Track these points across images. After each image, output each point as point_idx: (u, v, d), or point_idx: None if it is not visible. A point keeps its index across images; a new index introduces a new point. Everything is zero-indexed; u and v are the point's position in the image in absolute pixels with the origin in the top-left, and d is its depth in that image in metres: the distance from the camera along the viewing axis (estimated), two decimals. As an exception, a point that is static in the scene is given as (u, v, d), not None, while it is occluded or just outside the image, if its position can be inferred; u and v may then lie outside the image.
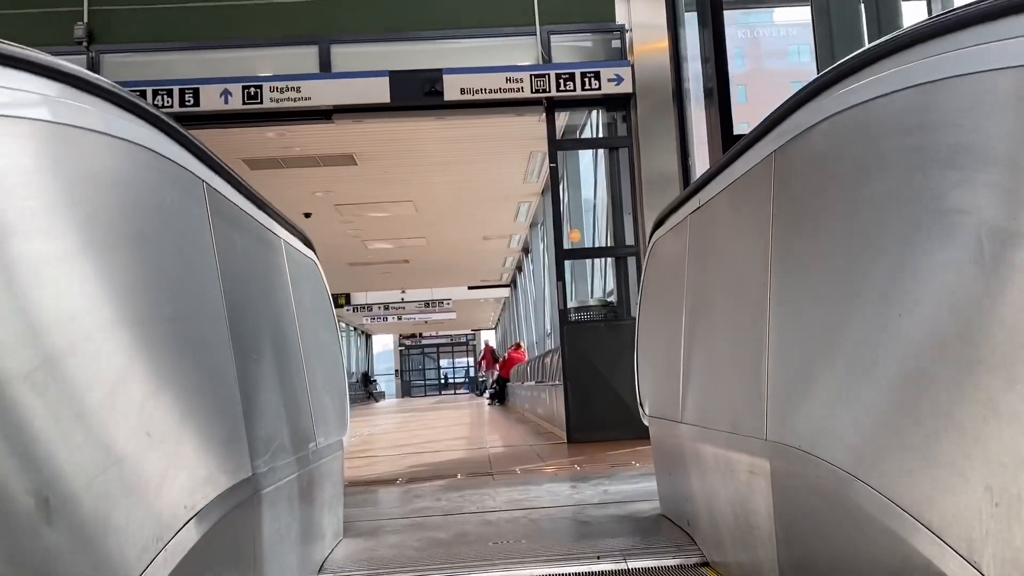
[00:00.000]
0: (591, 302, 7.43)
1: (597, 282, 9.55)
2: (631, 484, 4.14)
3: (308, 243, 3.45)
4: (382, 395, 41.91)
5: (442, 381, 51.58)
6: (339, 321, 30.00)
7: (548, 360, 10.31)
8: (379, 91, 6.90)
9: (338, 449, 3.21)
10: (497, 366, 31.51)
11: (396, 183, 12.48)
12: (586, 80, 6.99)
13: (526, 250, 19.57)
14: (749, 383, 2.06)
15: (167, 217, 1.72)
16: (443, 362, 52.34)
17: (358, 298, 26.60)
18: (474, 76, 6.95)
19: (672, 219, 3.27)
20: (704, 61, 4.71)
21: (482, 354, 32.83)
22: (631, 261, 7.35)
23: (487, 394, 29.40)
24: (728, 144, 4.28)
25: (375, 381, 42.45)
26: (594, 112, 8.20)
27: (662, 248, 3.44)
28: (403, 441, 8.48)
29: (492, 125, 8.22)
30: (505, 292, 26.11)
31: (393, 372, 50.89)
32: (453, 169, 11.87)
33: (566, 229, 7.71)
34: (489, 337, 49.64)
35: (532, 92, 6.97)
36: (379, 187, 12.61)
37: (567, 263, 7.49)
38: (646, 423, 3.50)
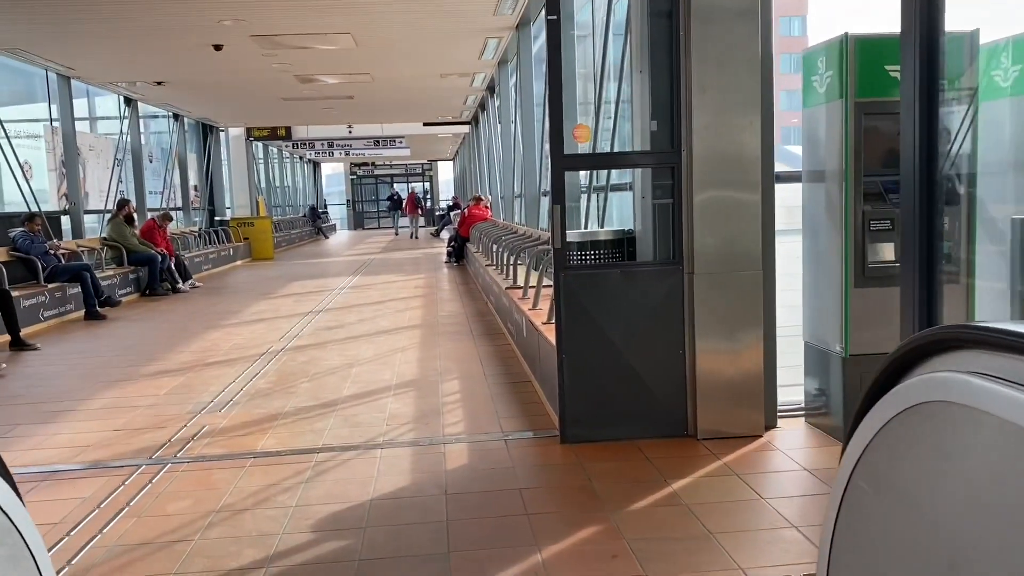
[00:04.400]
0: (601, 234, 5.02)
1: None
2: None
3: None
4: (332, 229, 39.49)
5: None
6: (281, 151, 27.02)
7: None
8: None
9: None
10: (420, 211, 33.03)
11: (328, 12, 9.55)
12: None
13: (491, 89, 16.69)
14: None
15: None
16: (398, 186, 49.64)
17: (299, 132, 23.46)
18: None
19: None
20: None
21: (406, 201, 34.08)
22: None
23: (443, 235, 28.36)
24: None
25: (324, 214, 39.96)
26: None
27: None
28: (330, 389, 6.38)
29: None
30: (466, 129, 23.26)
31: (345, 202, 48.19)
32: (402, -4, 8.98)
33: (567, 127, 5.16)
34: (446, 168, 47.01)
35: None
36: (306, 16, 9.67)
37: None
38: None
